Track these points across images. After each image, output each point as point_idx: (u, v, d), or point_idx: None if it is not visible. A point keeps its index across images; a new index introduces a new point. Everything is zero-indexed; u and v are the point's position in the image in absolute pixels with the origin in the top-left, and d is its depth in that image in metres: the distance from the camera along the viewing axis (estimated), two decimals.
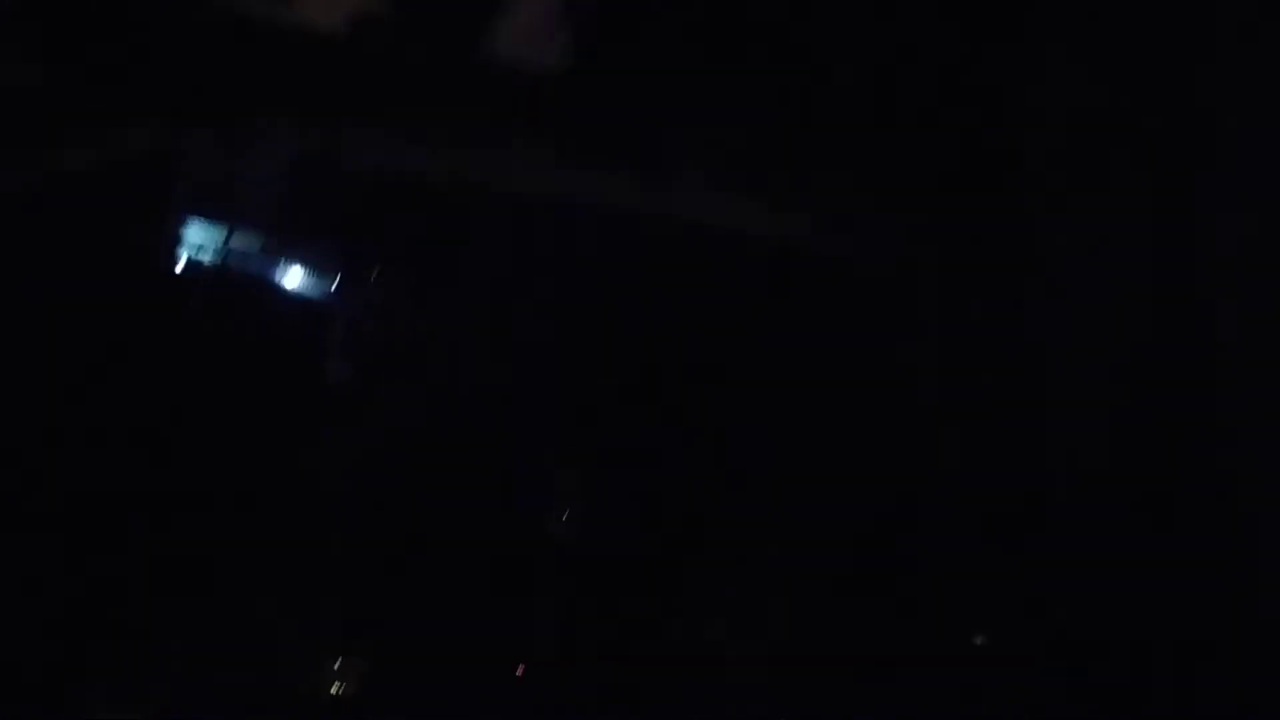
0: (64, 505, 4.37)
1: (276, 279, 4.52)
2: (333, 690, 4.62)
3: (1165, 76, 4.22)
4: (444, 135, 4.63)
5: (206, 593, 4.42)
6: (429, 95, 4.63)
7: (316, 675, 4.55)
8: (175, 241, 4.47)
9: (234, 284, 4.52)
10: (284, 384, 4.53)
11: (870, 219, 4.62)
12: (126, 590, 4.40)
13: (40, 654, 4.29)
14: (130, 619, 4.42)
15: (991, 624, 4.35)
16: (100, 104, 4.52)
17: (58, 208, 4.47)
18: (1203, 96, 4.12)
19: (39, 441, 4.34)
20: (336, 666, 4.55)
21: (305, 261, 4.53)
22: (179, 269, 4.48)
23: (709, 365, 4.67)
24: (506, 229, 4.75)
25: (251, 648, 4.46)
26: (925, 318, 4.66)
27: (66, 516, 4.38)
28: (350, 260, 4.59)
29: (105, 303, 4.37)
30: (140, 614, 4.38)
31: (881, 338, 4.65)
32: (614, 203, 4.65)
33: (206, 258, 4.48)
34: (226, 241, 4.49)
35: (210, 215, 4.49)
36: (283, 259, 4.52)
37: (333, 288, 4.56)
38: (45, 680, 4.24)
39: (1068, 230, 4.37)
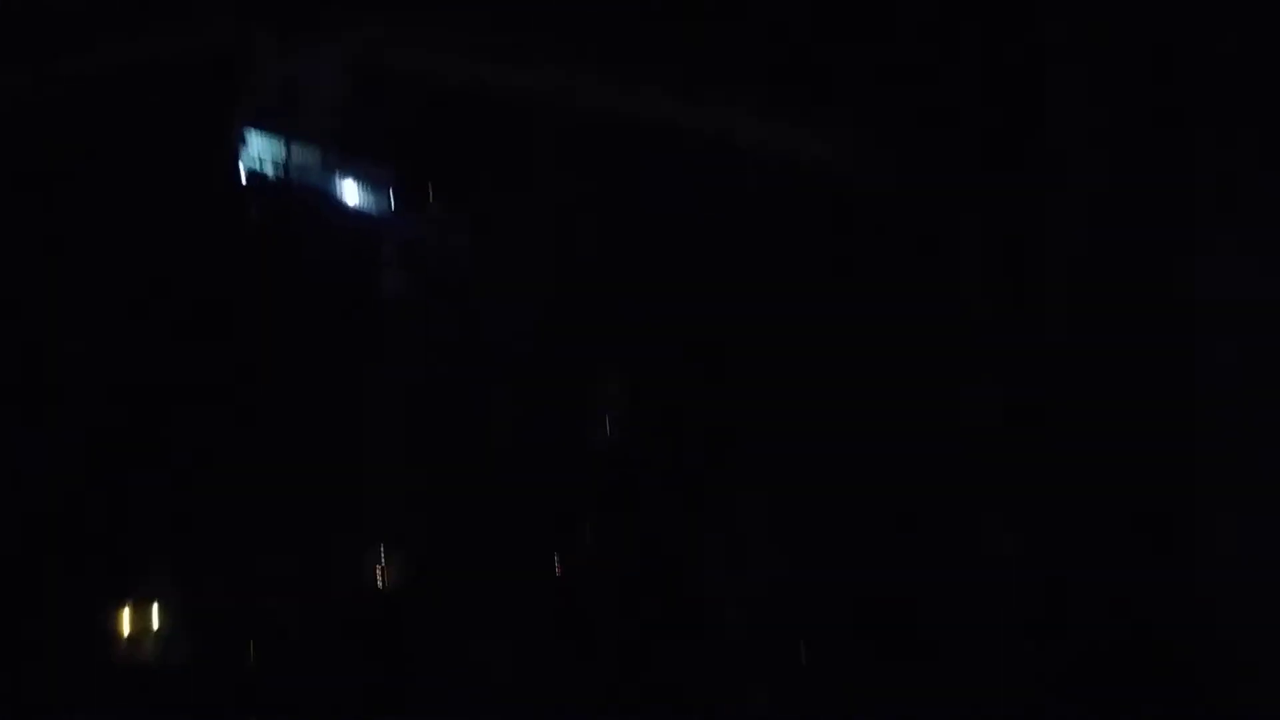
0: (126, 401, 4.52)
1: (335, 193, 4.54)
2: (377, 585, 4.74)
3: None
4: (508, 48, 4.57)
5: (255, 488, 4.54)
6: (494, 5, 4.56)
7: (361, 571, 4.66)
8: (237, 153, 4.50)
9: (293, 197, 4.55)
10: (340, 299, 4.58)
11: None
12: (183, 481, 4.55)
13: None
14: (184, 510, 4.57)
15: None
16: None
17: (124, 108, 4.54)
18: None
19: (99, 340, 4.48)
20: (380, 562, 4.66)
21: (364, 177, 4.53)
22: (241, 181, 4.53)
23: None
24: (570, 147, 4.68)
25: (298, 545, 4.59)
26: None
27: (129, 411, 4.53)
28: (409, 177, 4.58)
29: (165, 214, 4.45)
30: (193, 506, 4.53)
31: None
32: (672, 122, 4.56)
33: (267, 170, 4.51)
34: (287, 155, 4.51)
35: (272, 128, 4.50)
36: (342, 173, 4.53)
37: (391, 204, 4.56)
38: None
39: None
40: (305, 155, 4.53)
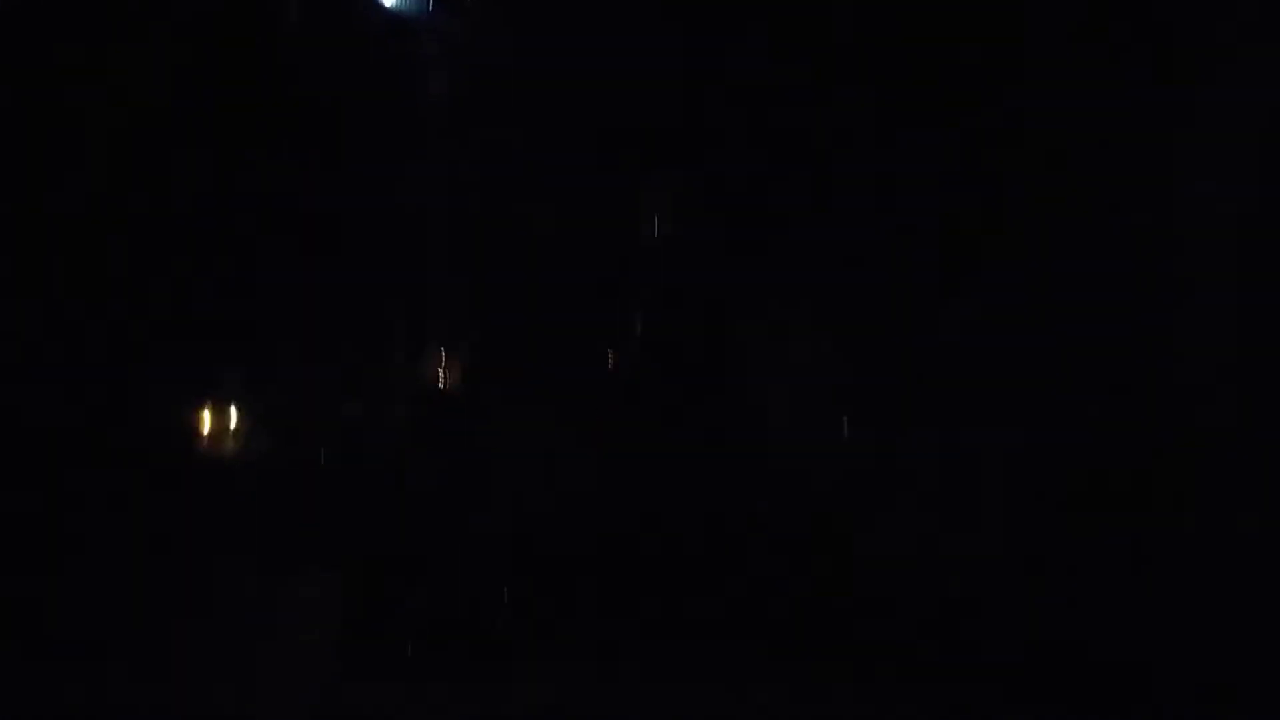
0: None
1: None
2: (440, 385, 4.97)
3: None
4: None
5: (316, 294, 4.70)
6: None
7: (422, 370, 4.89)
8: None
9: None
10: (376, 100, 4.60)
11: None
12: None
13: None
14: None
15: None
16: None
17: None
18: None
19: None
20: (441, 363, 4.88)
21: None
22: None
23: None
24: None
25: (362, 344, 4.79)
26: None
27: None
28: None
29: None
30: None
31: None
32: None
33: None
34: None
35: None
36: None
37: (430, 4, 4.52)
38: None
39: None
40: None
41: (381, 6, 4.51)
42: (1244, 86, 4.28)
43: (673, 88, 4.61)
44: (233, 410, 4.77)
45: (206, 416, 4.73)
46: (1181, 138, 4.36)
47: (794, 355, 4.90)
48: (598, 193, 4.71)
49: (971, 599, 4.45)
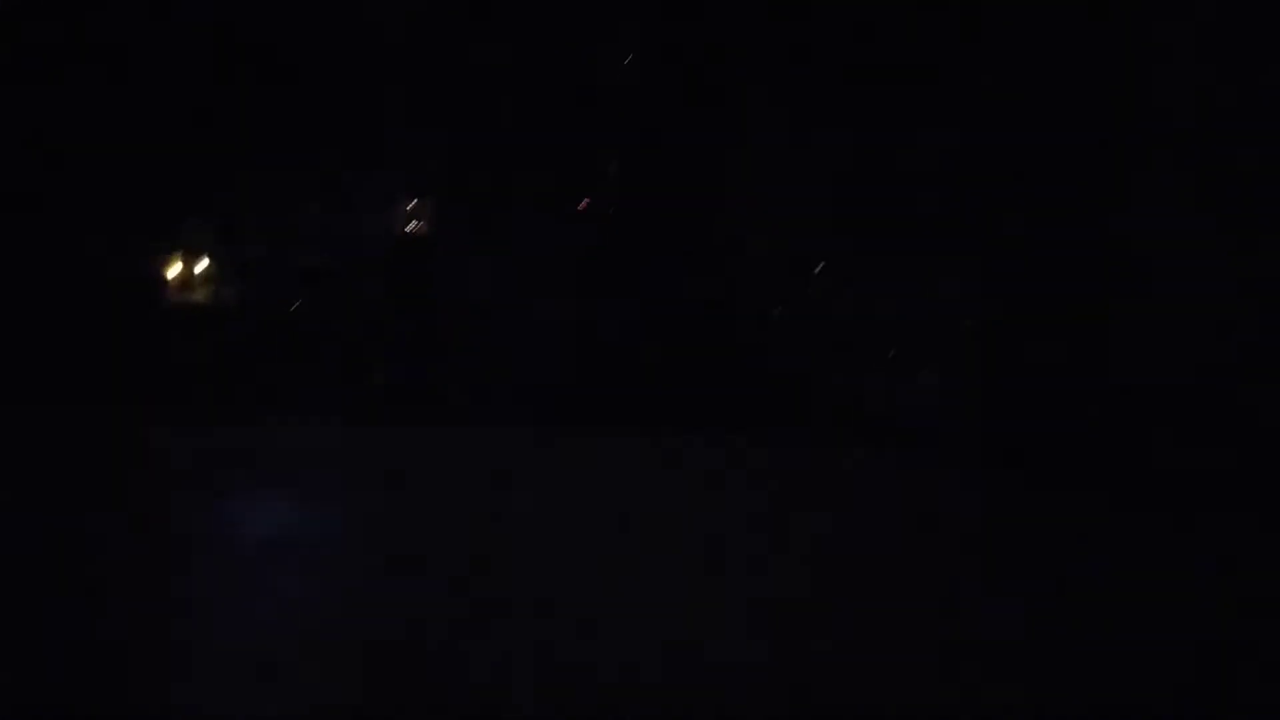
0: None
1: None
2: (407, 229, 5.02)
3: None
4: None
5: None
6: None
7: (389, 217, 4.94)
8: None
9: None
10: None
11: None
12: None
13: None
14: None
15: None
16: None
17: None
18: None
19: None
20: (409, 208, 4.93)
21: None
22: None
23: None
24: None
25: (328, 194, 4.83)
26: None
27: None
28: None
29: None
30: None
31: None
32: None
33: None
34: None
35: None
36: None
37: None
38: None
39: None
40: None
41: None
42: None
43: None
44: (205, 260, 4.84)
45: (179, 264, 4.80)
46: None
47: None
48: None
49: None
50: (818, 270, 4.69)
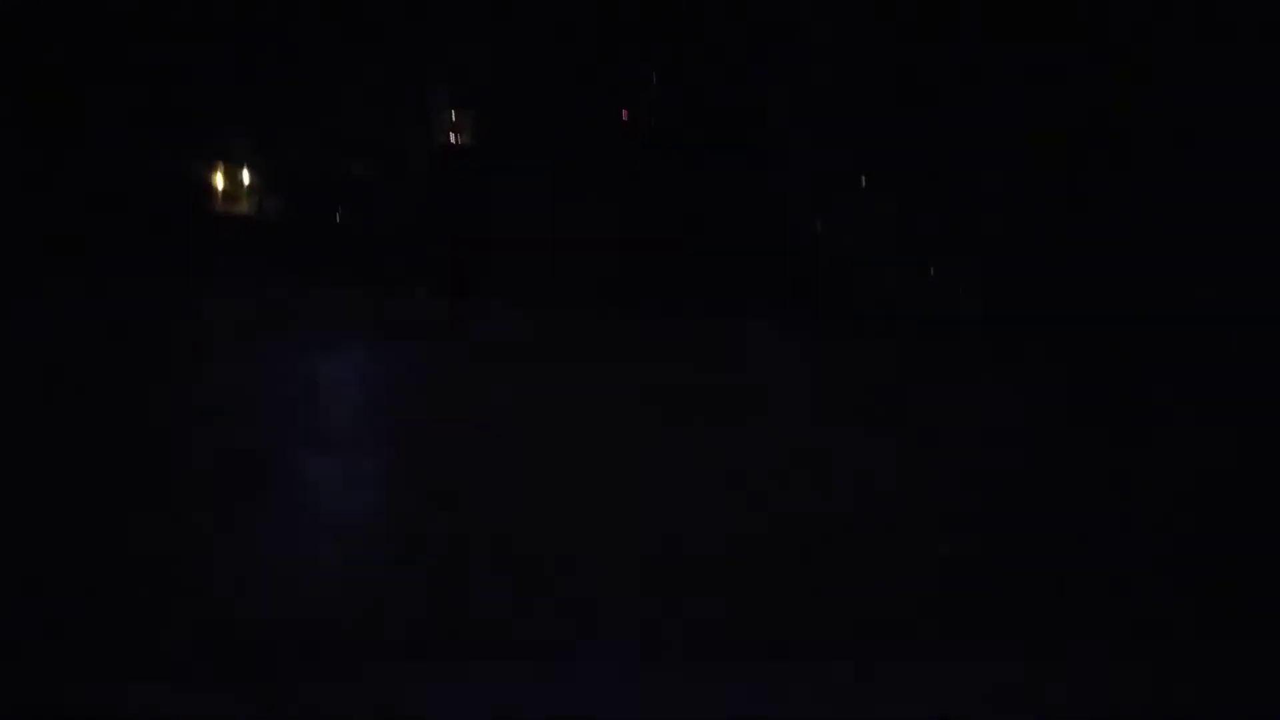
0: None
1: None
2: (450, 140, 5.08)
3: None
4: None
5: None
6: None
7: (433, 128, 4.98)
8: None
9: None
10: None
11: None
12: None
13: None
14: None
15: None
16: None
17: None
18: None
19: None
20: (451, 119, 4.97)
21: None
22: None
23: None
24: None
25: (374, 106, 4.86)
26: None
27: None
28: None
29: None
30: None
31: None
32: None
33: None
34: None
35: None
36: None
37: None
38: None
39: None
40: None
41: None
42: None
43: None
44: (247, 171, 4.92)
45: (222, 176, 4.87)
46: None
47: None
48: None
49: None
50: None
